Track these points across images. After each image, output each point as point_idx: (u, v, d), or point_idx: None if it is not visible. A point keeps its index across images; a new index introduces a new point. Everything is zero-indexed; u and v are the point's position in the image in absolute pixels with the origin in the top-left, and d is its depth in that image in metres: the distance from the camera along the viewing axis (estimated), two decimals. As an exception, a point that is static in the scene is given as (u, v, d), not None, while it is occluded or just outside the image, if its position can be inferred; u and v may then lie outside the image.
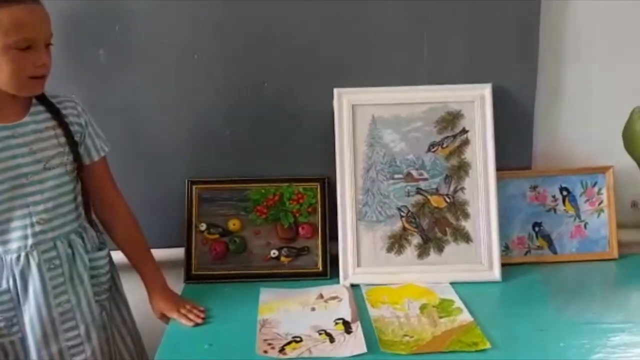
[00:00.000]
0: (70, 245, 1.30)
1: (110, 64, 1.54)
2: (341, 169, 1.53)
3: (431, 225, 1.54)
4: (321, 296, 1.46)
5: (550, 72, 1.60)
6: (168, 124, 1.57)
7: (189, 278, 1.55)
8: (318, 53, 1.55)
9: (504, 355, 1.23)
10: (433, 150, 1.55)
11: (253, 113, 1.58)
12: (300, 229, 1.57)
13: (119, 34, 1.52)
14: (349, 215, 1.53)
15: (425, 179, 1.55)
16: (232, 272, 1.54)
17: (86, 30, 1.51)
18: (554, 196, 1.61)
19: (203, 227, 1.56)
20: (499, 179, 1.55)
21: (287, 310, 1.40)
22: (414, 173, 1.55)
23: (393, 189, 1.54)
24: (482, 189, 1.53)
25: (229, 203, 1.57)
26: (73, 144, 1.30)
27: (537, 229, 1.61)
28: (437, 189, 1.54)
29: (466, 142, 1.55)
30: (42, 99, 1.28)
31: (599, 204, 1.62)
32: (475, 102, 1.55)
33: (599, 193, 1.62)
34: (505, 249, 1.60)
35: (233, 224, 1.57)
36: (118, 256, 1.43)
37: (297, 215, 1.57)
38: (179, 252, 1.57)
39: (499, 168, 1.55)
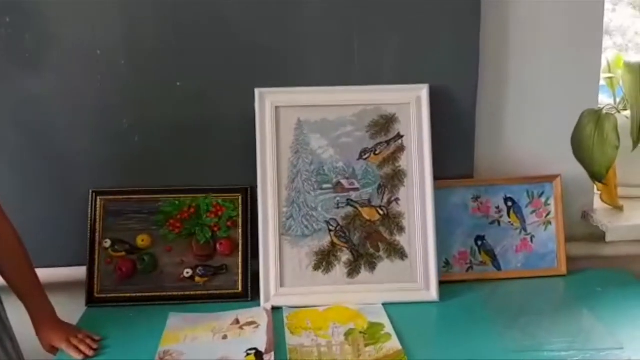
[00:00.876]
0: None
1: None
2: (263, 178, 1.39)
3: (363, 240, 1.41)
4: (237, 321, 1.31)
5: (493, 73, 1.49)
6: (68, 128, 1.42)
7: (91, 301, 1.39)
8: (239, 51, 1.41)
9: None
10: (365, 157, 1.42)
11: (165, 116, 1.43)
12: (218, 245, 1.42)
13: (9, 26, 1.35)
14: (271, 229, 1.39)
15: (357, 189, 1.41)
16: (140, 294, 1.39)
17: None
18: (498, 207, 1.50)
19: (107, 243, 1.40)
20: (438, 189, 1.43)
21: (194, 339, 1.24)
22: (344, 183, 1.42)
23: (321, 200, 1.41)
24: (418, 200, 1.41)
25: (138, 216, 1.42)
26: None
27: (479, 242, 1.49)
28: (369, 200, 1.41)
29: (401, 149, 1.42)
30: None
31: (547, 215, 1.50)
32: (411, 104, 1.42)
33: (546, 204, 1.50)
34: (445, 264, 1.48)
35: (142, 240, 1.41)
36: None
37: (215, 229, 1.42)
38: (81, 272, 1.41)
39: (438, 177, 1.43)
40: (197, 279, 1.40)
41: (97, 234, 1.41)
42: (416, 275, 1.40)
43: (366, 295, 1.38)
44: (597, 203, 1.59)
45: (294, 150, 1.41)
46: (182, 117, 1.43)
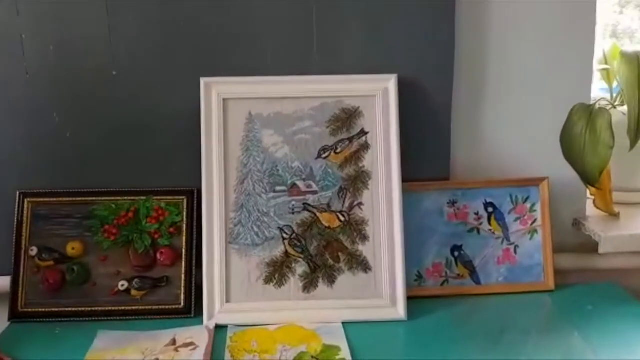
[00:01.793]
0: None
1: None
2: (208, 179, 1.24)
3: (321, 249, 1.26)
4: (173, 342, 1.15)
5: (471, 60, 1.33)
6: (-8, 122, 1.28)
7: (15, 316, 1.24)
8: (182, 35, 1.27)
9: None
10: (324, 156, 1.27)
11: (100, 109, 1.29)
12: (158, 254, 1.27)
13: None
14: (216, 237, 1.24)
15: (314, 192, 1.27)
16: (68, 308, 1.24)
17: None
18: (477, 213, 1.35)
19: (34, 251, 1.26)
20: (408, 193, 1.28)
21: (120, 363, 1.09)
22: (301, 185, 1.27)
23: (274, 205, 1.26)
24: (384, 205, 1.26)
25: (70, 221, 1.27)
26: None
27: (456, 253, 1.34)
28: (328, 205, 1.26)
29: (365, 147, 1.27)
30: None
31: (532, 222, 1.35)
32: (377, 96, 1.27)
33: (531, 210, 1.35)
34: (417, 278, 1.32)
35: (72, 248, 1.26)
36: None
37: (156, 237, 1.27)
38: (4, 283, 1.27)
39: (408, 179, 1.28)
40: (133, 292, 1.25)
41: (23, 241, 1.26)
42: (381, 290, 1.25)
43: (324, 312, 1.23)
44: (590, 209, 1.44)
45: (244, 148, 1.26)
46: (120, 110, 1.29)
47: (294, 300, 1.24)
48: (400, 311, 1.24)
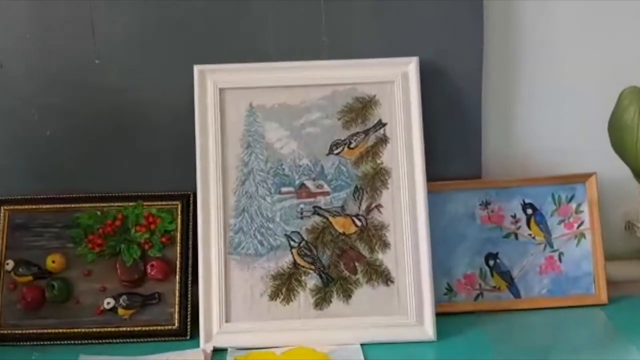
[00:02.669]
0: None
1: None
2: (204, 181, 1.14)
3: (334, 259, 1.15)
4: (165, 368, 1.04)
5: (502, 40, 1.24)
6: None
7: (-11, 338, 1.15)
8: (173, 19, 1.18)
9: None
10: (337, 152, 1.17)
11: (83, 103, 1.20)
12: (149, 267, 1.17)
13: None
14: (214, 246, 1.13)
15: (326, 193, 1.16)
16: (48, 330, 1.14)
17: None
18: (514, 216, 1.24)
19: (10, 265, 1.15)
20: (433, 193, 1.18)
21: (101, 393, 0.97)
22: (310, 185, 1.17)
23: (279, 209, 1.16)
24: (407, 207, 1.15)
25: (51, 231, 1.18)
26: None
27: (491, 262, 1.24)
28: (342, 208, 1.16)
29: (384, 140, 1.18)
30: None
31: (579, 226, 1.24)
32: (395, 83, 1.17)
33: (577, 211, 1.24)
34: (447, 291, 1.21)
35: (52, 261, 1.16)
36: None
37: (146, 247, 1.17)
38: (-20, 301, 1.18)
39: (434, 177, 1.19)
40: (120, 311, 1.14)
41: (-2, 253, 1.18)
42: (405, 306, 1.13)
43: (339, 332, 1.12)
44: (645, 210, 1.32)
45: (244, 144, 1.17)
46: (105, 104, 1.20)
47: (304, 318, 1.14)
48: (428, 330, 1.12)
